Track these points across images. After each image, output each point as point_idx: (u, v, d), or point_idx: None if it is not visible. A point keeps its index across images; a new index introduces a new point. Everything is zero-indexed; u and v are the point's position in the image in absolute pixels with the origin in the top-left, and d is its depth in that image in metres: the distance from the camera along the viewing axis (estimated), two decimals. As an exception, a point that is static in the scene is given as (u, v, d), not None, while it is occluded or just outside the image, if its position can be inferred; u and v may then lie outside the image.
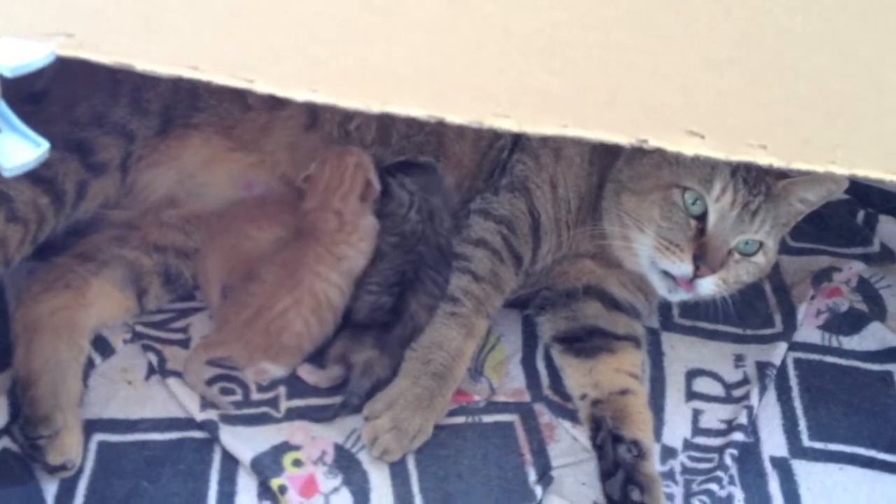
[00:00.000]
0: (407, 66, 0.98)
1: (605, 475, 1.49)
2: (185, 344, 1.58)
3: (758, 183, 1.49)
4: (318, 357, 1.57)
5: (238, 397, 1.52)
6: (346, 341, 1.55)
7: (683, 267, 1.49)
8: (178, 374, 1.52)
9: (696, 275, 1.49)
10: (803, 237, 1.92)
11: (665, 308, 1.77)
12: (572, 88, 0.99)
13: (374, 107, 0.98)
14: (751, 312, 1.78)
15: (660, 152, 1.46)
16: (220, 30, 0.97)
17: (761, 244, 1.53)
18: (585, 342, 1.64)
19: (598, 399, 1.57)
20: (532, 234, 1.63)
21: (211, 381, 1.53)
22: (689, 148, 1.00)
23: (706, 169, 1.49)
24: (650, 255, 1.52)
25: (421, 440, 1.48)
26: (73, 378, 1.46)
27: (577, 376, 1.61)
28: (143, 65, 0.96)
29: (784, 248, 1.89)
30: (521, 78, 0.98)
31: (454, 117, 0.99)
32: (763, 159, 1.01)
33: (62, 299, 1.51)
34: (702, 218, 1.49)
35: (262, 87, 0.97)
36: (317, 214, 1.62)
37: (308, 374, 1.55)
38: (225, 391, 1.52)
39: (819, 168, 1.02)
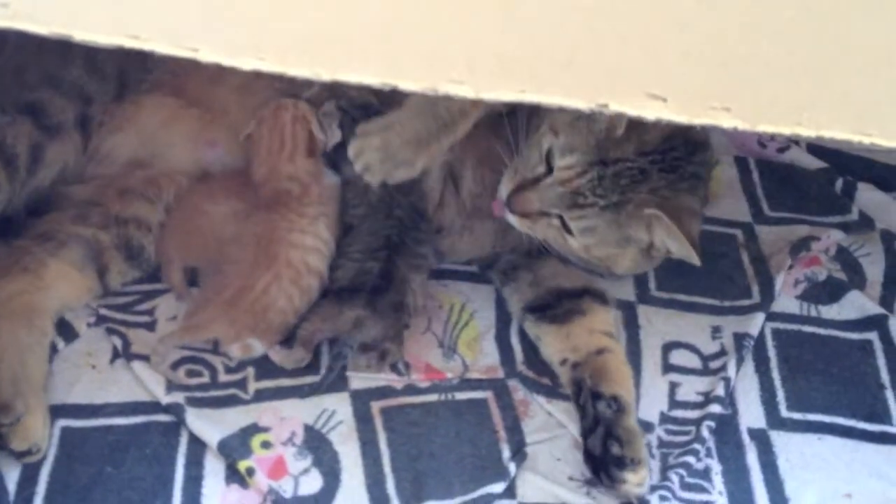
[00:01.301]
0: (357, 32, 0.95)
1: (587, 432, 1.48)
2: (150, 327, 1.55)
3: (614, 192, 1.44)
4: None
5: (205, 379, 1.49)
6: (331, 307, 1.52)
7: (501, 190, 1.51)
8: (143, 358, 1.49)
9: (507, 205, 1.49)
10: (781, 207, 1.90)
11: (642, 280, 1.74)
12: (529, 52, 0.95)
13: (324, 75, 0.94)
14: (728, 283, 1.76)
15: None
16: (162, -4, 0.93)
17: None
18: (557, 308, 1.61)
19: (577, 362, 1.55)
20: None
21: (177, 364, 1.50)
22: (650, 111, 0.97)
23: (582, 139, 1.45)
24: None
25: (404, 173, 1.44)
26: (35, 362, 1.43)
27: (556, 343, 1.59)
28: (81, 34, 0.92)
29: (761, 219, 1.88)
30: (476, 42, 0.95)
31: (407, 84, 0.95)
32: (727, 122, 0.97)
33: (19, 283, 1.47)
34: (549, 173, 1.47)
35: (206, 55, 0.94)
36: (274, 185, 1.58)
37: (274, 352, 1.52)
38: (191, 373, 1.49)
39: (786, 130, 0.99)
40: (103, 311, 1.55)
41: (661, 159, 1.46)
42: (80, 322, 1.53)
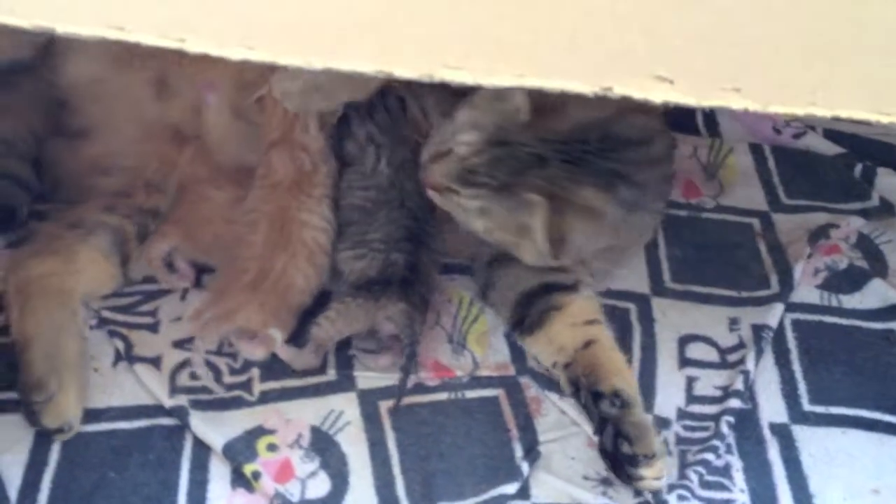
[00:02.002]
0: (350, 17, 0.91)
1: (597, 430, 1.44)
2: (153, 328, 1.52)
3: (507, 174, 1.41)
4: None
5: (210, 381, 1.46)
6: (359, 302, 1.47)
7: (422, 156, 1.49)
8: (145, 360, 1.46)
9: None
10: (798, 194, 1.85)
11: (656, 272, 1.70)
12: (528, 34, 0.91)
13: (316, 63, 0.91)
14: (745, 274, 1.71)
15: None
16: (147, -15, 0.90)
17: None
18: (531, 315, 1.56)
19: (567, 362, 1.50)
20: None
21: (180, 367, 1.46)
22: (657, 94, 0.93)
23: (487, 118, 1.42)
24: None
25: (321, 100, 1.49)
26: (69, 338, 1.42)
27: (542, 349, 1.54)
28: (64, 27, 0.89)
29: (778, 206, 1.83)
30: (472, 26, 0.91)
31: (403, 71, 0.92)
32: (737, 103, 0.93)
33: (50, 265, 1.46)
34: None
35: (193, 46, 0.90)
36: (283, 154, 1.55)
37: (283, 350, 1.48)
38: (196, 375, 1.46)
39: (799, 111, 0.94)
40: (105, 314, 1.52)
41: (566, 150, 1.41)
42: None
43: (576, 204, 1.42)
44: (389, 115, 1.58)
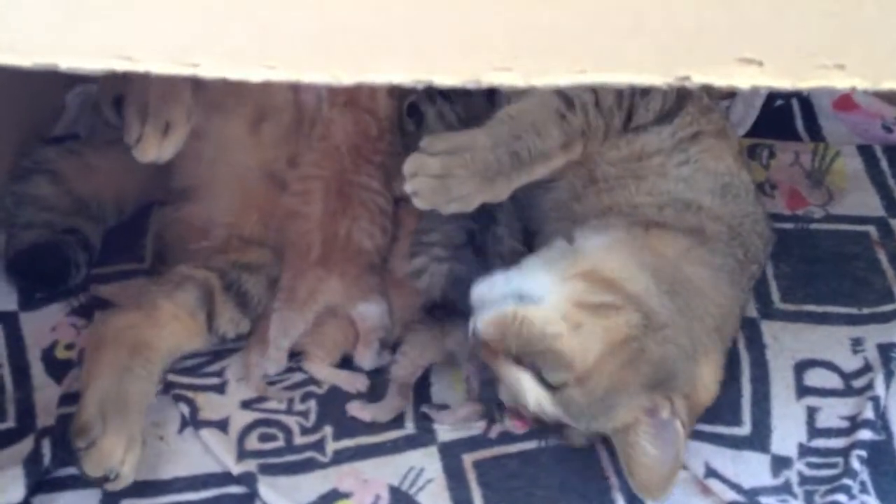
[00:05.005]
0: (379, 23, 0.81)
1: None
2: (220, 389, 1.42)
3: None
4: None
5: (280, 443, 1.36)
6: (434, 328, 1.39)
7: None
8: (212, 425, 1.37)
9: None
10: (919, 193, 1.68)
11: (763, 293, 1.54)
12: (585, 22, 0.79)
13: (345, 78, 0.81)
14: (865, 288, 1.54)
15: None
16: (153, 8, 0.81)
17: None
18: None
19: None
20: None
21: (248, 429, 1.37)
22: (743, 79, 0.80)
23: None
24: None
25: (456, 207, 1.29)
26: (133, 382, 1.33)
27: None
28: (68, 62, 0.81)
29: (897, 210, 1.67)
30: (520, 18, 0.80)
31: (445, 78, 0.81)
32: (842, 81, 0.79)
33: (130, 318, 1.40)
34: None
35: (208, 70, 0.81)
36: (347, 117, 1.48)
37: (359, 410, 1.39)
38: (265, 437, 1.36)
39: (918, 84, 0.80)
40: (171, 377, 1.43)
41: None
42: (149, 392, 1.43)
43: None
44: (472, 101, 1.47)
